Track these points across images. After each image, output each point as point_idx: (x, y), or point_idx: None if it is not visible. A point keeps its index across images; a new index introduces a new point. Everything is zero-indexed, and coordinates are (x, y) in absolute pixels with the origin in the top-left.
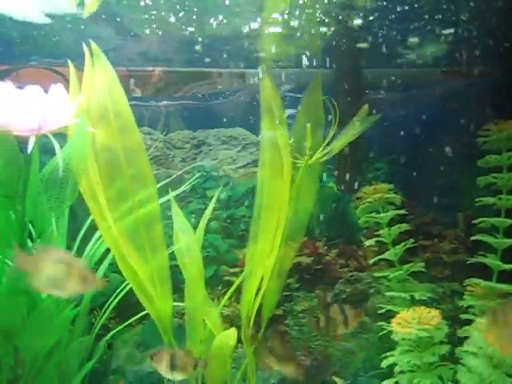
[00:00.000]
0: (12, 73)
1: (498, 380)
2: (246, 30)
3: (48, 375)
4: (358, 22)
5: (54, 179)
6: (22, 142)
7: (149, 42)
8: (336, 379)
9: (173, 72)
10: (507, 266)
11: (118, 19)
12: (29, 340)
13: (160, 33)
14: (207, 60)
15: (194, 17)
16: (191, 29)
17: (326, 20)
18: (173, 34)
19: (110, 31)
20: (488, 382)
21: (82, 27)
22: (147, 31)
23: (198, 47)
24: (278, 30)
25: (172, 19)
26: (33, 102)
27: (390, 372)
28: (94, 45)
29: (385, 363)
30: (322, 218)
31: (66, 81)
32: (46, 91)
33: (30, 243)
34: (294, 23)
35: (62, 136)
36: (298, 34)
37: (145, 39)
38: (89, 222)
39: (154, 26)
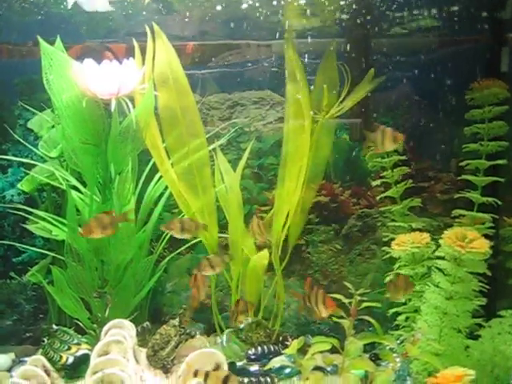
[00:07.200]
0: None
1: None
2: (273, 4)
3: (127, 283)
4: None
5: (127, 131)
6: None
7: (188, 19)
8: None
9: (208, 44)
10: (484, 199)
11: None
12: (113, 255)
13: (197, 12)
14: (238, 33)
15: None
16: (224, 7)
17: None
18: (207, 12)
19: (157, 13)
20: (449, 296)
21: (143, 12)
22: (187, 11)
23: (230, 22)
24: (300, 3)
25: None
26: (112, 73)
27: None
28: (155, 26)
29: (387, 279)
30: (337, 163)
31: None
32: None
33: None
34: None
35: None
36: (317, 8)
37: (184, 17)
38: (149, 166)
39: (192, 6)
